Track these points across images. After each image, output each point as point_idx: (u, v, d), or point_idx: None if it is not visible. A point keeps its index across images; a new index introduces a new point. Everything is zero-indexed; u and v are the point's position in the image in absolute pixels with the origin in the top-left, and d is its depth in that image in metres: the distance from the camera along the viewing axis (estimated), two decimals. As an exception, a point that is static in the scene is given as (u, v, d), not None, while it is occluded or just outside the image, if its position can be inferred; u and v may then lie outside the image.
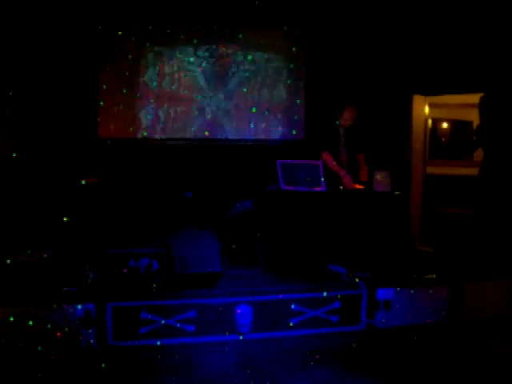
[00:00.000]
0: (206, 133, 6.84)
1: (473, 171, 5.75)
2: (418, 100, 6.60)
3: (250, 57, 6.88)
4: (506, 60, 5.59)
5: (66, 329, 3.71)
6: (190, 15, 6.64)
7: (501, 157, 5.38)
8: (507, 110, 5.46)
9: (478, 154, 5.77)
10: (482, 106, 5.52)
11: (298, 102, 6.97)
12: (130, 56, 6.60)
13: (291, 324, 4.12)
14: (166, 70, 6.77)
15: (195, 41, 6.75)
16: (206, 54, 6.82)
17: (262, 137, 6.97)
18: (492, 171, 5.39)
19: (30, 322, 3.65)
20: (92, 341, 3.76)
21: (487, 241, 5.19)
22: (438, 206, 6.50)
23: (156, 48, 6.72)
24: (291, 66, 6.94)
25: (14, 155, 5.42)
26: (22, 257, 4.36)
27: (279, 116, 6.98)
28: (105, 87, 6.55)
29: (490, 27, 5.66)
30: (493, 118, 5.47)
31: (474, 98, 5.73)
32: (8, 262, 4.13)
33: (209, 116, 6.87)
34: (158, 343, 3.89)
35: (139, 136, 6.70)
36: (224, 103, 6.91)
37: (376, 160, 5.68)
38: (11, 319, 3.63)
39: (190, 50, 6.79)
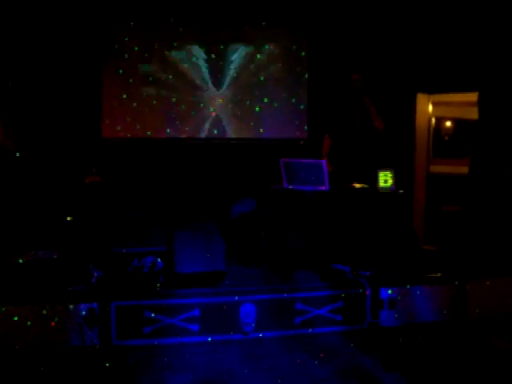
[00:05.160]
0: (215, 131, 6.85)
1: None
2: (421, 98, 6.58)
3: (258, 55, 6.89)
4: (502, 59, 5.57)
5: (70, 328, 3.72)
6: (194, 14, 6.66)
7: (489, 154, 5.41)
8: (496, 108, 5.49)
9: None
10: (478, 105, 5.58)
11: (302, 106, 6.98)
12: (134, 54, 6.61)
13: (295, 323, 4.11)
14: (171, 68, 6.77)
15: (200, 39, 6.76)
16: (212, 53, 6.82)
17: (265, 136, 6.97)
18: (481, 168, 5.43)
19: (35, 322, 3.66)
20: (96, 340, 3.76)
21: (488, 239, 5.18)
22: (441, 204, 6.48)
23: (160, 46, 6.71)
24: (297, 68, 6.97)
25: (18, 155, 5.43)
26: (26, 256, 4.37)
27: (283, 115, 6.98)
28: (108, 86, 6.57)
29: (493, 25, 5.64)
30: (483, 117, 5.53)
31: (477, 97, 5.72)
32: (20, 261, 4.15)
33: (213, 115, 6.88)
34: (162, 342, 3.89)
35: (143, 135, 6.71)
36: (228, 102, 6.91)
37: (379, 158, 5.66)
38: (15, 318, 3.64)
39: (195, 48, 6.79)
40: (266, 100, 6.94)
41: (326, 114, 5.59)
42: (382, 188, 4.84)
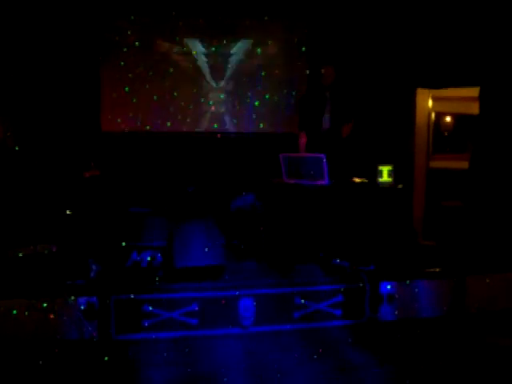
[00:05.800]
0: (215, 125, 6.84)
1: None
2: (421, 93, 6.56)
3: (259, 50, 6.87)
4: (504, 53, 5.56)
5: (69, 322, 3.72)
6: (195, 8, 6.63)
7: (489, 149, 5.42)
8: (497, 102, 5.49)
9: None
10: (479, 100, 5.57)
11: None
12: (134, 48, 6.59)
13: (294, 317, 4.12)
14: (171, 62, 6.75)
15: (201, 33, 6.75)
16: (211, 47, 6.80)
17: (265, 130, 6.96)
18: (482, 163, 5.43)
19: (34, 315, 3.66)
20: (95, 334, 3.76)
21: (488, 234, 5.18)
22: (440, 199, 6.47)
23: (159, 40, 6.70)
24: (297, 63, 6.95)
25: (17, 148, 5.43)
26: (25, 250, 4.37)
27: (283, 109, 6.97)
28: (108, 79, 6.56)
29: (494, 19, 5.61)
30: (484, 112, 5.53)
31: (478, 92, 5.71)
32: (20, 254, 4.16)
33: (212, 109, 6.87)
34: (161, 336, 3.89)
35: (142, 129, 6.70)
36: (228, 96, 6.90)
37: (379, 153, 5.66)
38: (15, 312, 3.64)
39: (196, 42, 6.78)
40: (266, 96, 6.92)
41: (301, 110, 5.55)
42: (382, 183, 4.85)
